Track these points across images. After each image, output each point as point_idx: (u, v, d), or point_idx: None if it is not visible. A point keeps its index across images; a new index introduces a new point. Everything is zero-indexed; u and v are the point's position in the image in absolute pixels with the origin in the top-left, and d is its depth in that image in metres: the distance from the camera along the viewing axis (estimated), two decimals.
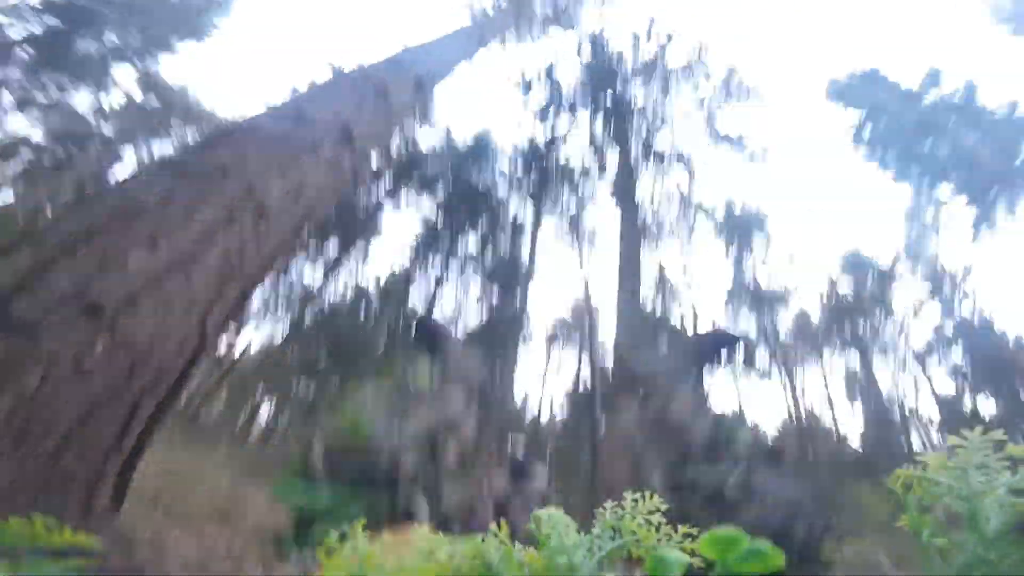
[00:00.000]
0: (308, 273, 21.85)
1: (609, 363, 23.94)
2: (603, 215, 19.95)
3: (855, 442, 29.99)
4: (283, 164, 2.10)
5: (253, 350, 25.99)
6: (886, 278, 21.92)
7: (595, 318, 20.71)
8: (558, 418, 32.53)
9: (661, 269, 17.17)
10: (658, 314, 19.59)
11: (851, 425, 30.10)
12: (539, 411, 32.01)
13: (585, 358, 29.34)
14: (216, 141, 2.09)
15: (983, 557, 0.38)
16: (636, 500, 0.57)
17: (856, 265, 22.84)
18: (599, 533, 0.54)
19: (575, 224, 19.51)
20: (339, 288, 24.48)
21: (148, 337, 1.53)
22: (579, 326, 30.79)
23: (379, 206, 21.22)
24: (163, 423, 1.80)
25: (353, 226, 20.33)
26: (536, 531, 0.53)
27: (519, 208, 21.24)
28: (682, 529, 0.53)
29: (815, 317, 25.15)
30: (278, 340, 19.32)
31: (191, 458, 6.57)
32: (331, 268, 21.09)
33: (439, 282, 22.48)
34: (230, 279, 1.71)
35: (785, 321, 24.06)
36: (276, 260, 1.89)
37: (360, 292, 24.68)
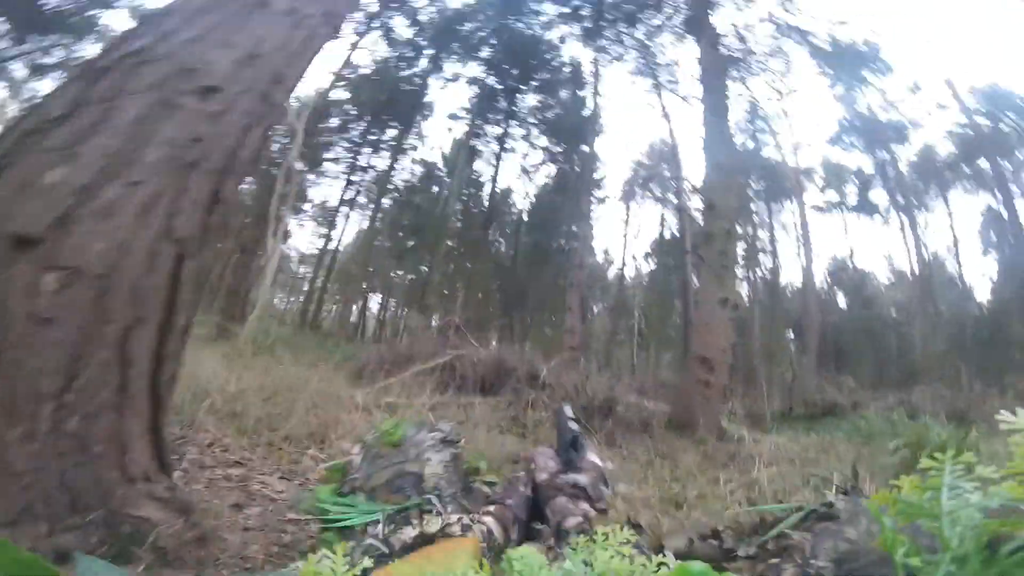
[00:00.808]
0: (375, 160, 21.94)
1: (697, 205, 22.62)
2: (679, 52, 17.03)
3: (984, 295, 26.90)
4: (225, 31, 1.54)
5: (345, 243, 27.52)
6: None
7: (678, 157, 18.91)
8: (645, 271, 32.27)
9: (753, 103, 14.74)
10: (751, 149, 17.51)
11: (981, 277, 26.51)
12: (623, 267, 31.83)
13: (669, 203, 27.85)
14: (131, 32, 1.58)
15: (956, 575, 0.39)
16: (607, 534, 0.56)
17: (993, 98, 18.47)
18: (571, 568, 0.53)
19: (646, 58, 16.98)
20: (407, 167, 24.53)
21: (100, 258, 1.14)
22: (660, 169, 28.80)
23: (424, 83, 19.90)
24: (178, 352, 1.47)
25: (403, 106, 19.50)
26: (508, 570, 0.51)
27: (578, 52, 18.85)
28: (656, 559, 0.52)
29: (942, 151, 21.48)
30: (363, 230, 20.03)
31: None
32: (395, 152, 20.82)
33: (502, 143, 21.46)
34: (191, 171, 1.24)
35: (906, 157, 20.65)
36: (253, 137, 1.40)
37: (428, 167, 24.56)
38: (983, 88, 18.89)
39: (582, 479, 1.37)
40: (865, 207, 23.61)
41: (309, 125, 13.16)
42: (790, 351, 28.29)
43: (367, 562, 0.53)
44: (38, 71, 13.47)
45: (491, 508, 1.35)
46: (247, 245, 10.92)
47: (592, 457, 1.50)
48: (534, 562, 0.55)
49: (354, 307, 29.49)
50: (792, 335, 30.78)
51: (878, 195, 22.80)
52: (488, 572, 0.52)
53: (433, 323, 12.75)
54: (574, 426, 1.50)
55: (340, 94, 19.09)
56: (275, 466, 2.36)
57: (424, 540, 1.06)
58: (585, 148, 15.13)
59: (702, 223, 7.38)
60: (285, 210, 8.26)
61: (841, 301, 32.79)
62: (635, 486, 2.51)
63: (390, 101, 19.10)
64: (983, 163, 19.92)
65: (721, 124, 6.67)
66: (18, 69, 13.56)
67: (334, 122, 20.17)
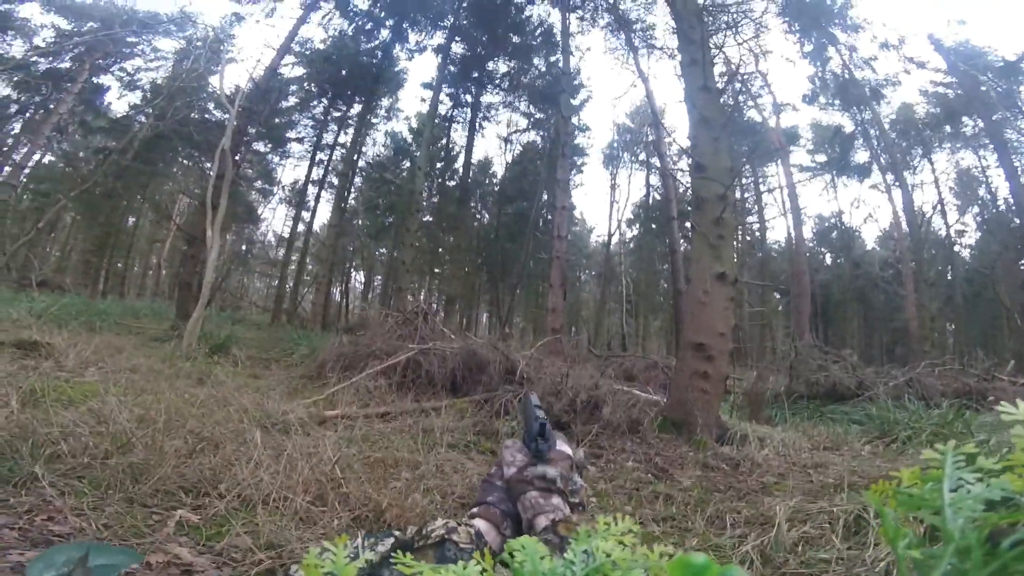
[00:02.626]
0: (344, 138, 20.83)
1: (683, 167, 21.85)
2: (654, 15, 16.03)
3: (967, 252, 27.18)
4: None
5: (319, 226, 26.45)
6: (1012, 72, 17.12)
7: (658, 117, 18.01)
8: (628, 237, 31.64)
9: (728, 63, 13.84)
10: (732, 108, 16.73)
11: (958, 235, 26.63)
12: (610, 233, 31.17)
13: (654, 167, 27.03)
14: None
15: (958, 568, 0.39)
16: (608, 522, 0.55)
17: (967, 56, 17.83)
18: (573, 558, 0.50)
19: (620, 17, 15.89)
20: (378, 142, 23.36)
21: None
22: (642, 134, 27.87)
23: (389, 54, 18.69)
24: None
25: (366, 80, 18.36)
26: (509, 560, 0.48)
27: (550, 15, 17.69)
28: (657, 549, 0.48)
29: (920, 111, 21.11)
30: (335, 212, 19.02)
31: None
32: (359, 127, 19.69)
33: (475, 111, 20.42)
34: None
35: (886, 116, 20.29)
36: None
37: (396, 142, 23.38)
38: (955, 46, 18.35)
39: (551, 471, 1.28)
40: (849, 168, 23.28)
41: (258, 105, 12.12)
42: (783, 320, 28.10)
43: None
44: None
45: (475, 510, 1.26)
46: (195, 235, 10.04)
47: (562, 446, 1.40)
48: (536, 552, 0.50)
49: (337, 290, 28.57)
50: (778, 296, 30.62)
51: (861, 156, 22.58)
52: (490, 562, 0.48)
53: (410, 302, 12.04)
54: (541, 414, 1.38)
55: (297, 71, 17.98)
56: (115, 537, 1.71)
57: (403, 547, 0.91)
58: (564, 114, 14.20)
59: (690, 187, 6.71)
60: (222, 196, 7.39)
61: (828, 262, 32.64)
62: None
63: (351, 76, 17.97)
64: (966, 122, 19.63)
65: (704, 75, 5.90)
66: None
67: (293, 101, 19.04)
